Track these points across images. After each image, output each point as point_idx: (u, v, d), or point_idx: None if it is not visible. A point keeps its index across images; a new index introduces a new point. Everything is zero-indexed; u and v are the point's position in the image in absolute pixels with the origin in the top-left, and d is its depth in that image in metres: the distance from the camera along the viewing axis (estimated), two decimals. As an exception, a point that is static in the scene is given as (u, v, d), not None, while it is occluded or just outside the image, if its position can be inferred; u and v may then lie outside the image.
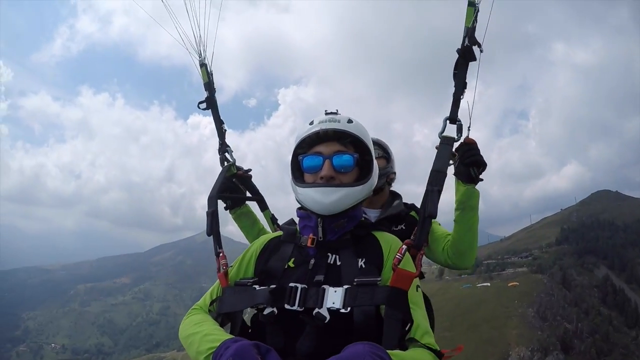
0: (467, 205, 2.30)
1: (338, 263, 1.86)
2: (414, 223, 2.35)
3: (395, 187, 3.20)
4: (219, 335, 1.65)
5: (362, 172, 1.99)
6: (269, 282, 1.85)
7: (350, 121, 1.96)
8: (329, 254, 1.90)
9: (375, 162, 2.04)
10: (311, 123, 1.99)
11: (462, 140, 2.28)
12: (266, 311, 1.75)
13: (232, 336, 1.60)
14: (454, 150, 2.27)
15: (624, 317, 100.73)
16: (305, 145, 1.99)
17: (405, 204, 3.01)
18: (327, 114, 2.03)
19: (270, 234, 2.25)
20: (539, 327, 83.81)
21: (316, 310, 1.66)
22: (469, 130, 2.26)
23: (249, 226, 2.97)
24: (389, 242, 1.94)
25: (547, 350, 77.65)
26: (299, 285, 1.76)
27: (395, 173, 3.13)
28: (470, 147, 2.25)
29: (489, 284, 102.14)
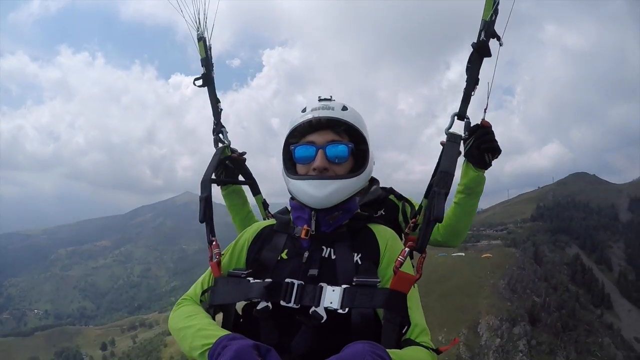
0: (474, 191, 2.28)
1: (333, 257, 1.79)
2: (394, 207, 2.54)
3: (377, 154, 2.87)
4: (214, 330, 1.57)
5: (358, 162, 1.88)
6: (262, 274, 1.78)
7: (345, 108, 1.86)
8: (324, 247, 1.82)
9: (371, 151, 1.91)
10: (304, 110, 1.88)
11: (478, 122, 2.14)
12: (260, 306, 1.67)
13: (227, 332, 1.53)
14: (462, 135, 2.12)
15: (590, 295, 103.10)
16: (298, 134, 1.87)
17: (383, 188, 2.91)
18: (320, 100, 1.94)
19: (262, 222, 2.15)
20: (509, 299, 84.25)
21: (313, 309, 1.59)
22: (485, 112, 2.14)
23: (239, 205, 2.83)
24: (386, 238, 1.85)
25: (515, 321, 78.12)
26: (296, 282, 1.67)
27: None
28: (487, 131, 2.11)
29: (463, 254, 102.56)
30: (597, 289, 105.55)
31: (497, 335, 76.14)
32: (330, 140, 1.79)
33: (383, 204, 2.81)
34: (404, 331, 1.59)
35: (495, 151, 2.12)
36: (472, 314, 78.96)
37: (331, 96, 1.96)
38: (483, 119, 2.09)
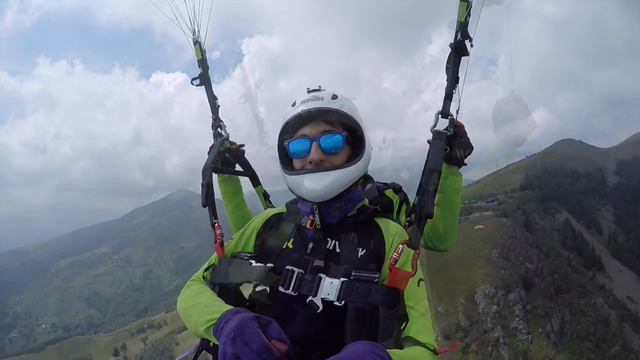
0: (451, 189, 2.27)
1: (337, 250, 1.79)
2: (390, 203, 2.40)
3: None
4: (219, 306, 1.61)
5: (355, 150, 1.87)
6: (266, 260, 1.81)
7: (334, 97, 1.85)
8: (329, 239, 1.82)
9: (366, 137, 1.91)
10: (293, 104, 1.88)
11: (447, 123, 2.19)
12: (258, 288, 1.75)
13: (231, 307, 1.57)
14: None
15: (582, 259, 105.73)
16: (290, 129, 1.88)
17: (378, 185, 2.68)
18: (309, 91, 1.92)
19: (272, 209, 2.17)
20: (503, 267, 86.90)
21: (310, 298, 1.63)
22: (457, 113, 2.17)
23: (232, 193, 2.87)
24: (392, 233, 1.83)
25: (510, 288, 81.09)
26: (296, 270, 1.70)
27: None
28: (458, 129, 2.17)
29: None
30: (588, 252, 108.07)
31: (493, 303, 79.09)
32: (323, 131, 1.79)
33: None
34: (402, 327, 1.59)
35: (467, 148, 2.17)
36: (468, 284, 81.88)
37: (320, 86, 1.96)
38: (455, 119, 2.15)
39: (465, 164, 2.23)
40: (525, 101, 2.13)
